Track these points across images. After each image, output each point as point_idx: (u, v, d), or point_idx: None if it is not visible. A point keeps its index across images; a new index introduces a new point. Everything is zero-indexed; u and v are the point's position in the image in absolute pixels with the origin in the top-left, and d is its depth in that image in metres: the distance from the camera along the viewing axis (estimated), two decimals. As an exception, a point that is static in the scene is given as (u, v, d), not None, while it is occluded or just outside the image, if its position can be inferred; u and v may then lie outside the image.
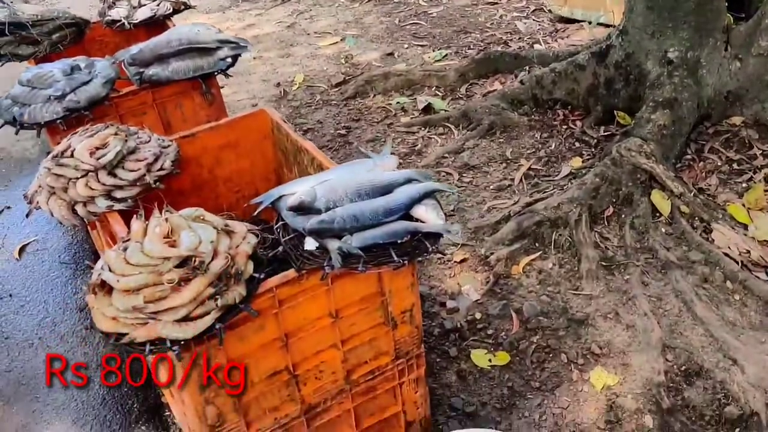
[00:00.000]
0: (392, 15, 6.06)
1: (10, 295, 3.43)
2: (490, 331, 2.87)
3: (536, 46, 5.11)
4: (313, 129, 4.46)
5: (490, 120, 4.11)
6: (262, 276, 1.82)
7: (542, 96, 4.17)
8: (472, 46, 5.27)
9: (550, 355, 2.74)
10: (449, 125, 4.25)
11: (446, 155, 3.97)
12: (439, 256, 3.26)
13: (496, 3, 5.99)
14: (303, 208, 1.91)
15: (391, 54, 5.34)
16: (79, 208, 2.21)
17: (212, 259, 1.74)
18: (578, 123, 4.04)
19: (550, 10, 5.57)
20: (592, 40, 4.62)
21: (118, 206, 2.20)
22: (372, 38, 5.67)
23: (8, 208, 4.14)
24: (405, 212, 1.96)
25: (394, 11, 6.13)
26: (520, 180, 3.68)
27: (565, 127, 4.05)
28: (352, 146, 4.23)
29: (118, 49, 3.62)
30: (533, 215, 3.24)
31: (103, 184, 2.20)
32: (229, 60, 3.03)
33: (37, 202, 2.31)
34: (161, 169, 2.29)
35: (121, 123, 2.66)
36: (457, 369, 2.74)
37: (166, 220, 1.83)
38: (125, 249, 1.79)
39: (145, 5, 3.67)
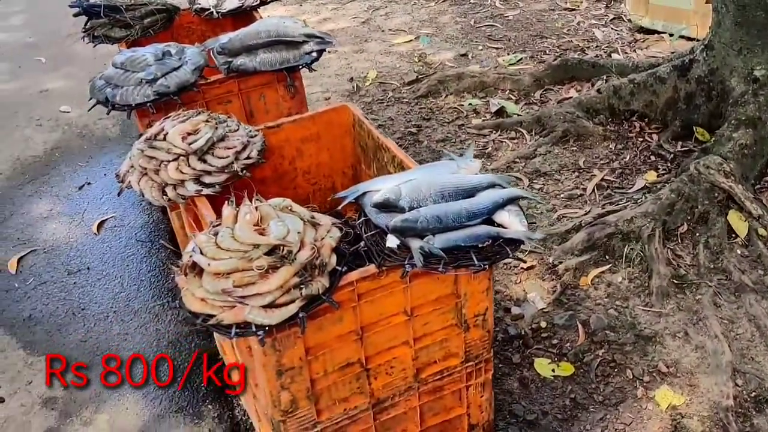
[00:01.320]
0: (468, 16, 6.05)
1: (88, 268, 3.57)
2: (554, 341, 2.86)
3: (614, 55, 5.03)
4: (384, 126, 4.49)
5: (564, 127, 4.07)
6: (344, 269, 1.86)
7: (619, 106, 4.12)
8: (547, 52, 5.22)
9: (616, 370, 2.71)
10: (521, 130, 4.23)
11: (517, 160, 3.96)
12: (506, 261, 3.26)
13: (574, 9, 5.92)
14: (387, 206, 1.94)
15: (464, 55, 5.33)
16: (169, 191, 2.29)
17: (299, 250, 1.79)
18: (655, 136, 3.97)
19: (629, 20, 5.47)
20: (673, 53, 4.53)
21: (206, 191, 2.27)
22: (446, 38, 5.66)
23: (89, 183, 4.29)
24: (487, 216, 1.98)
25: (470, 12, 6.12)
26: (593, 190, 3.64)
27: (640, 139, 3.99)
28: (422, 145, 4.25)
29: (204, 37, 3.74)
30: (605, 227, 3.21)
31: (194, 169, 2.27)
32: (314, 54, 3.08)
33: (129, 182, 2.40)
34: (248, 158, 2.35)
35: (207, 110, 2.75)
36: (519, 376, 2.74)
37: (256, 208, 1.89)
38: (216, 234, 1.86)
39: (233, -5, 3.75)
